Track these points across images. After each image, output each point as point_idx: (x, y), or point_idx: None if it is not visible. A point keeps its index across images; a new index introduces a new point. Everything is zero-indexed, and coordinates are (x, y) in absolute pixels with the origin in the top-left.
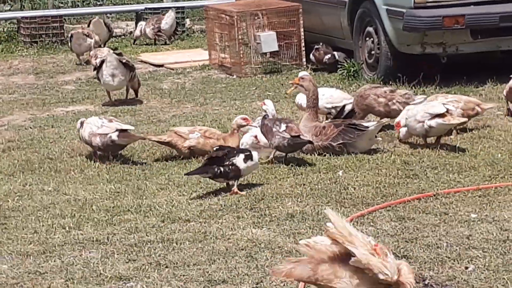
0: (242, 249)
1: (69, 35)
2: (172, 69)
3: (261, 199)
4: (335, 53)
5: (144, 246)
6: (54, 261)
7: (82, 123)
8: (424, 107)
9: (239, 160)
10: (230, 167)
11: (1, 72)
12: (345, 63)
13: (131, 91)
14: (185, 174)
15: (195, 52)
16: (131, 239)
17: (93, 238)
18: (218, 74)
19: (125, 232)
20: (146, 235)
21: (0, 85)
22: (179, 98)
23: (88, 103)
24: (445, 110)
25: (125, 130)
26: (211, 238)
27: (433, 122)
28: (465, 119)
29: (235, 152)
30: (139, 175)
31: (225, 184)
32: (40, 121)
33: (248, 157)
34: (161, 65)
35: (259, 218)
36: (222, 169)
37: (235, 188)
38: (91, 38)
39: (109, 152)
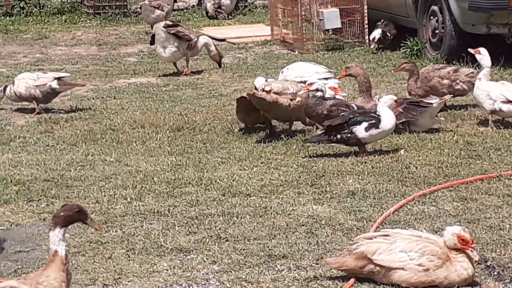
0: (303, 225)
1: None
2: (234, 43)
3: (322, 175)
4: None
5: (205, 219)
6: (116, 231)
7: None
8: (502, 88)
9: (359, 129)
10: (349, 135)
11: (65, 42)
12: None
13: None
14: (304, 141)
15: (257, 27)
16: (192, 211)
17: (154, 209)
18: (280, 49)
19: (186, 205)
20: (207, 208)
21: (63, 55)
22: (240, 72)
23: (150, 75)
24: None
25: (62, 78)
26: (271, 213)
27: (505, 107)
28: None
29: (358, 120)
30: (200, 148)
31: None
32: (103, 92)
33: (372, 126)
34: (223, 40)
35: (320, 194)
36: (339, 136)
37: (361, 153)
38: (161, 10)
39: (48, 101)
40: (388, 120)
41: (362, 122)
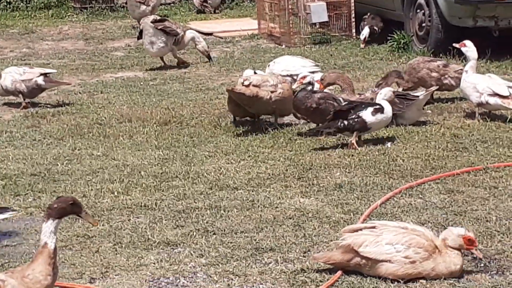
0: (290, 218)
1: None
2: (221, 37)
3: (309, 168)
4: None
5: (192, 213)
6: (103, 225)
7: None
8: (489, 81)
9: (366, 113)
10: (356, 119)
11: (51, 37)
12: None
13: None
14: (307, 131)
15: (244, 21)
16: (179, 205)
17: (141, 203)
18: (267, 43)
19: (173, 198)
20: (194, 201)
21: (50, 50)
22: (227, 66)
23: (137, 70)
24: (509, 94)
25: (48, 74)
26: (258, 206)
27: (492, 100)
28: None
29: (363, 105)
30: (187, 142)
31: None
32: (90, 87)
33: (378, 111)
34: (210, 34)
35: (307, 187)
36: (346, 122)
37: (352, 140)
38: (147, 5)
39: (33, 96)
40: (389, 108)
41: (368, 107)
